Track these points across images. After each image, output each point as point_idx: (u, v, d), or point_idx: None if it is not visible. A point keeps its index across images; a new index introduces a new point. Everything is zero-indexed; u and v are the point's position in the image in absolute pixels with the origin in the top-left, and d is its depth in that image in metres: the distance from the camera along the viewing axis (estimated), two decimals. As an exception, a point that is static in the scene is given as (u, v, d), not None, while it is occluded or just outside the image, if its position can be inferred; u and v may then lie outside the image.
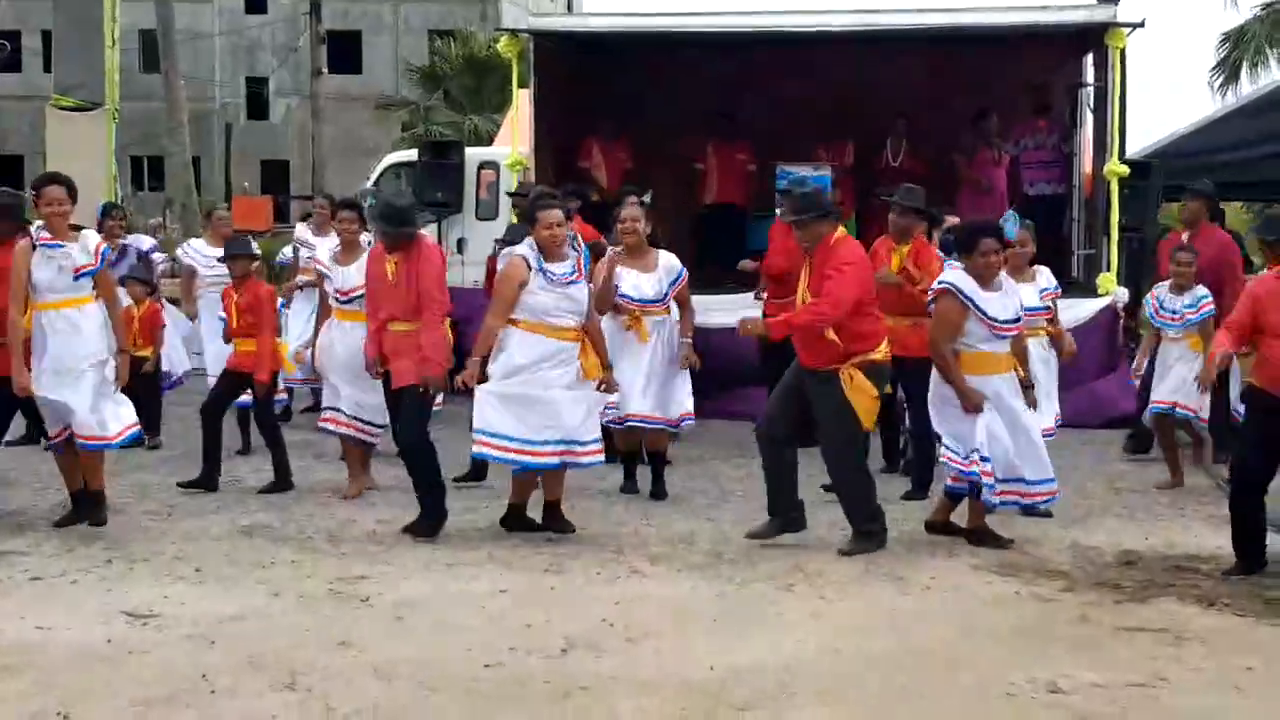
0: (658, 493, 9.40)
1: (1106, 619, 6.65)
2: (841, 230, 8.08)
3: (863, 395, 7.82)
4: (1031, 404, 8.08)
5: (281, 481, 9.58)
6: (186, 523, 8.56)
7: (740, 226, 14.67)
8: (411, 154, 18.23)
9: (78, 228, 8.40)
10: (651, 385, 9.29)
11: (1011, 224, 10.28)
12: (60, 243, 8.08)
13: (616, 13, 14.00)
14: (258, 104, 53.30)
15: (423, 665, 5.87)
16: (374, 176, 18.27)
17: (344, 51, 49.52)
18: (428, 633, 6.38)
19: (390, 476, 9.59)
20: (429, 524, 8.20)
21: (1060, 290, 9.87)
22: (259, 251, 11.16)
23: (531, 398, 7.94)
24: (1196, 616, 6.72)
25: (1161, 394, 10.20)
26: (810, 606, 6.84)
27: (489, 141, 24.70)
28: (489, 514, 8.72)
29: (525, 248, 8.07)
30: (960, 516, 8.19)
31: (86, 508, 8.35)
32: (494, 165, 15.99)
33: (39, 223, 8.25)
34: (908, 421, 9.93)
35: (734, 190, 14.85)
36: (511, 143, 14.67)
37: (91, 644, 6.13)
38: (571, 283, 8.05)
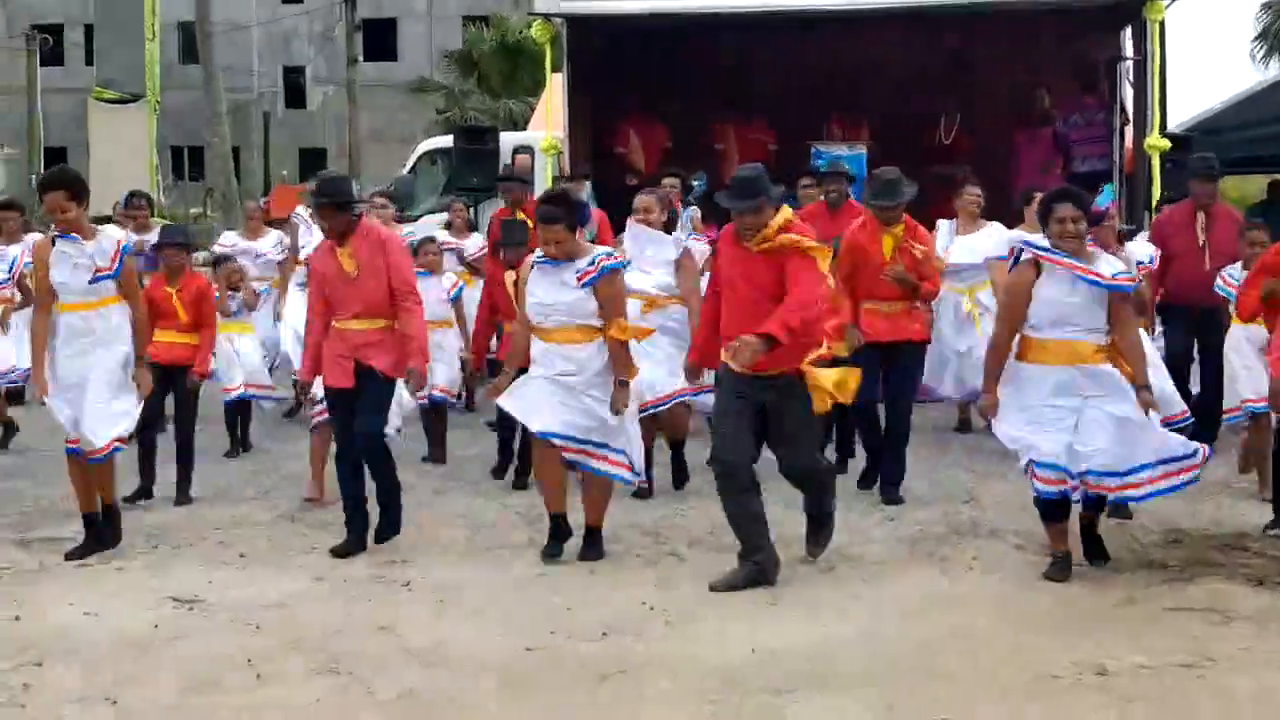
0: (680, 481, 9.22)
1: (1153, 599, 6.59)
2: (787, 212, 7.10)
3: (820, 391, 7.04)
4: (1146, 404, 6.88)
5: (182, 496, 9.01)
6: (230, 509, 8.62)
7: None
8: (447, 140, 18.25)
9: (101, 223, 7.95)
10: (666, 365, 8.70)
11: (1107, 195, 10.04)
12: (75, 236, 7.48)
13: (646, -5, 13.86)
14: (295, 93, 53.50)
15: (463, 649, 5.90)
16: (410, 162, 18.32)
17: (379, 39, 49.68)
18: (468, 617, 6.40)
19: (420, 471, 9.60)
20: (394, 528, 7.72)
21: (1152, 263, 9.38)
22: (193, 242, 10.75)
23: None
24: (1245, 596, 6.65)
25: (1249, 390, 8.91)
26: (850, 589, 6.83)
27: (523, 126, 24.72)
28: (527, 499, 8.74)
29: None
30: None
31: (100, 533, 7.67)
32: (529, 149, 15.95)
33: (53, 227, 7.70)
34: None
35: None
36: (546, 127, 14.66)
37: (138, 629, 6.20)
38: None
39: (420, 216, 16.05)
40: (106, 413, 7.46)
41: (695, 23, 14.50)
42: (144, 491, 8.92)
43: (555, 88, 14.36)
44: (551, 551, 7.46)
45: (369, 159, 40.41)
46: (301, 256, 9.99)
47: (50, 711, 5.25)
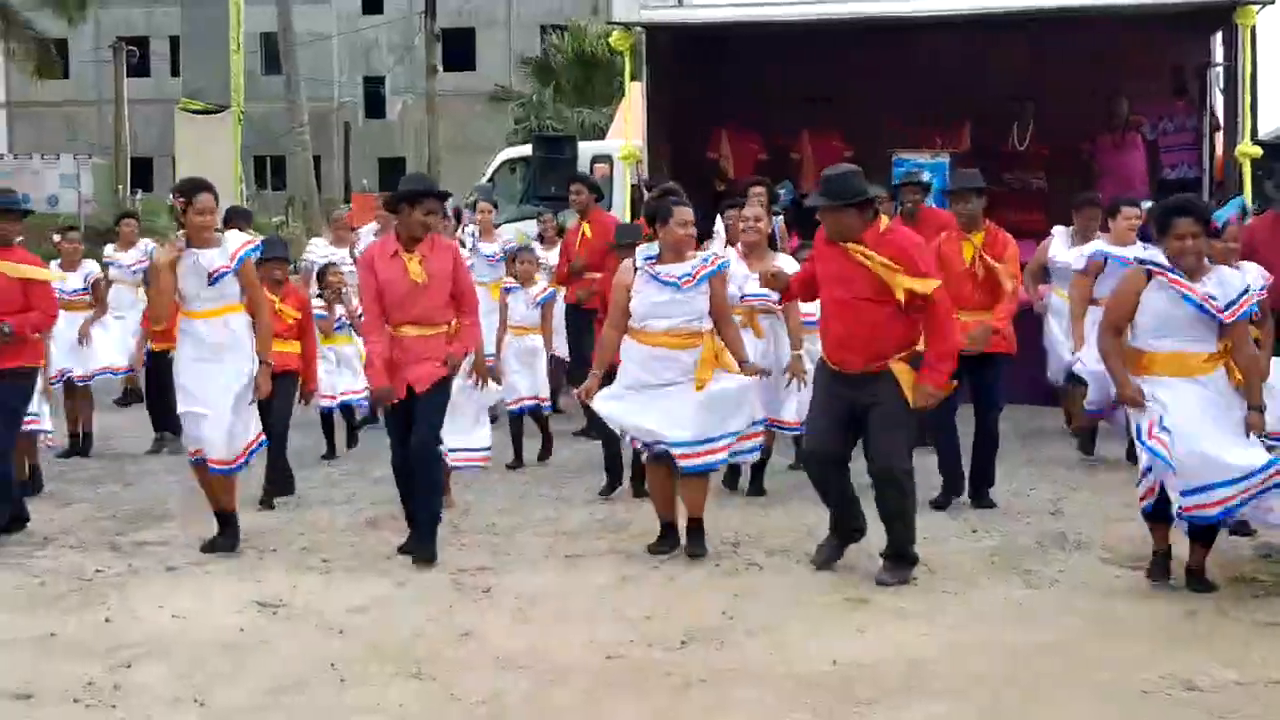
0: (758, 489, 9.26)
1: (1245, 615, 6.48)
2: (884, 220, 7.28)
3: (907, 387, 7.10)
4: (1252, 426, 6.69)
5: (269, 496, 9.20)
6: (313, 514, 8.70)
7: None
8: (526, 149, 18.32)
9: (223, 229, 8.11)
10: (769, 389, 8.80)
11: (1231, 207, 9.76)
12: (199, 249, 7.68)
13: (727, 3, 13.81)
14: (375, 103, 53.95)
15: (543, 656, 5.91)
16: (489, 171, 18.41)
17: (458, 49, 49.96)
18: (548, 624, 6.41)
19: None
20: (431, 546, 7.55)
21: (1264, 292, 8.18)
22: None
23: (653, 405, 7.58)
24: (1337, 611, 6.53)
25: None
26: (934, 600, 6.77)
27: (601, 135, 24.77)
28: (608, 507, 8.76)
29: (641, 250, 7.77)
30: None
31: (222, 532, 7.91)
32: (607, 158, 15.99)
33: (179, 232, 7.88)
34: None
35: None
36: (624, 135, 14.68)
37: (225, 632, 6.27)
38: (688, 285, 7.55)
39: (499, 225, 16.12)
40: (232, 428, 7.67)
41: (774, 32, 14.46)
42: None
43: (634, 96, 14.37)
44: (662, 549, 7.67)
45: (448, 168, 40.60)
46: None
47: (140, 712, 5.31)
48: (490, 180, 17.75)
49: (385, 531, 8.24)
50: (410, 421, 7.55)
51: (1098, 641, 6.09)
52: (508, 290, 10.87)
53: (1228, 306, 6.65)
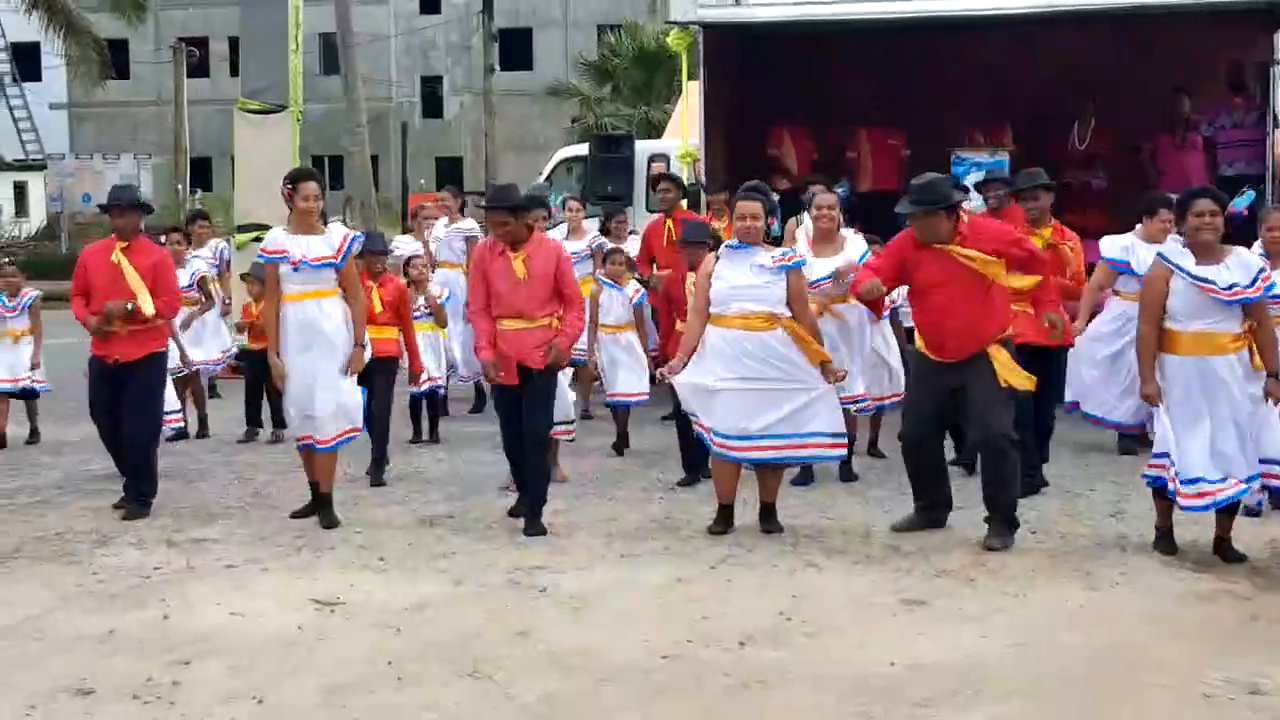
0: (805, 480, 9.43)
1: (1308, 618, 6.40)
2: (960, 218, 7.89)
3: (1014, 373, 7.77)
4: (1271, 393, 7.22)
5: (377, 479, 9.76)
6: (370, 513, 8.73)
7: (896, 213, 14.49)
8: (582, 148, 18.32)
9: (325, 220, 8.55)
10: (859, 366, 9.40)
11: (1246, 198, 9.76)
12: (303, 235, 8.22)
13: (785, 1, 13.74)
14: (432, 102, 54.22)
15: (600, 656, 5.90)
16: (546, 170, 18.41)
17: (515, 49, 50.11)
18: (604, 623, 6.41)
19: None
20: (539, 523, 8.16)
21: None
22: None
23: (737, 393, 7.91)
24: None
25: None
26: (993, 602, 6.71)
27: (659, 133, 24.74)
28: (665, 506, 8.75)
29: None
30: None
31: (320, 506, 8.46)
32: (664, 157, 15.96)
33: (278, 227, 8.45)
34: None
35: (888, 177, 14.67)
36: (681, 134, 14.65)
37: (283, 630, 6.30)
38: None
39: (556, 225, 16.14)
40: (334, 406, 8.23)
41: (831, 30, 14.39)
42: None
43: (691, 95, 14.34)
44: (718, 529, 8.07)
45: (505, 167, 40.72)
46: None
47: (198, 709, 5.34)
48: (548, 179, 17.75)
49: (441, 530, 8.27)
50: (518, 405, 8.20)
51: (1159, 644, 6.02)
52: (602, 288, 11.17)
53: (1250, 285, 7.16)
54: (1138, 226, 9.68)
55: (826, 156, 14.91)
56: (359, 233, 8.87)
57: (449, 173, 50.29)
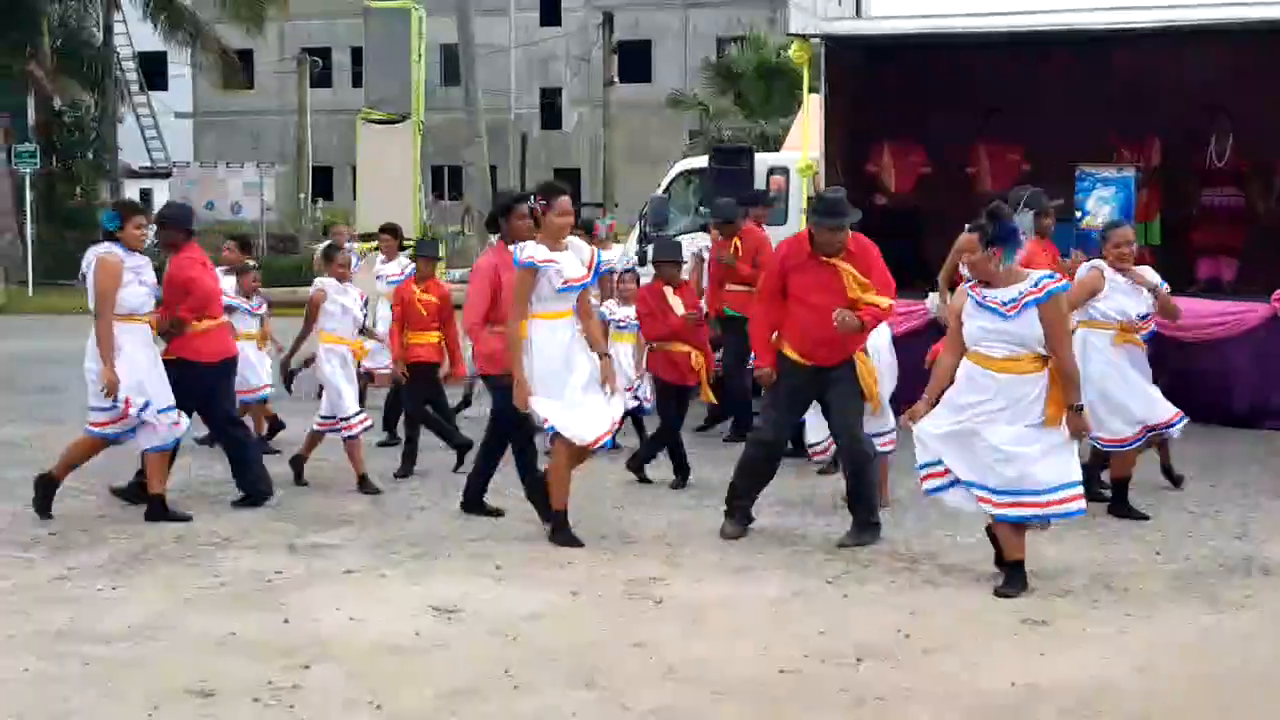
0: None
1: None
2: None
3: (868, 375, 8.29)
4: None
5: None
6: (486, 521, 8.76)
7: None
8: (701, 160, 18.30)
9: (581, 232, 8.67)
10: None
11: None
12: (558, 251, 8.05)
13: (908, 15, 13.66)
14: (551, 114, 54.50)
15: (716, 668, 5.88)
16: (665, 182, 18.41)
17: (634, 61, 50.26)
18: (720, 636, 6.38)
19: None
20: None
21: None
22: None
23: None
24: None
25: None
26: (1116, 623, 6.58)
27: (777, 146, 24.67)
28: (780, 520, 8.71)
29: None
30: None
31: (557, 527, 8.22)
32: (784, 170, 15.89)
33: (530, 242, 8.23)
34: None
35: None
36: (801, 147, 14.59)
37: (401, 636, 6.35)
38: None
39: (675, 236, 16.14)
40: (590, 412, 8.04)
41: (954, 43, 14.26)
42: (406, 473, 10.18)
43: (811, 108, 14.27)
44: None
45: (623, 179, 40.93)
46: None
47: (317, 713, 5.40)
48: (666, 191, 17.77)
49: (557, 539, 8.28)
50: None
51: (1289, 671, 5.88)
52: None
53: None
54: None
55: (932, 171, 14.75)
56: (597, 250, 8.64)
57: (567, 184, 50.52)
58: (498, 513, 8.84)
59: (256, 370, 11.28)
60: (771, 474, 8.53)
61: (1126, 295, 8.89)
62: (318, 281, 10.32)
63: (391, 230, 13.71)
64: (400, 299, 10.75)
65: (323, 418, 9.91)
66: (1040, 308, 6.89)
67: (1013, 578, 7.11)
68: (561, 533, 8.12)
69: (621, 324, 11.23)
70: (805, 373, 8.23)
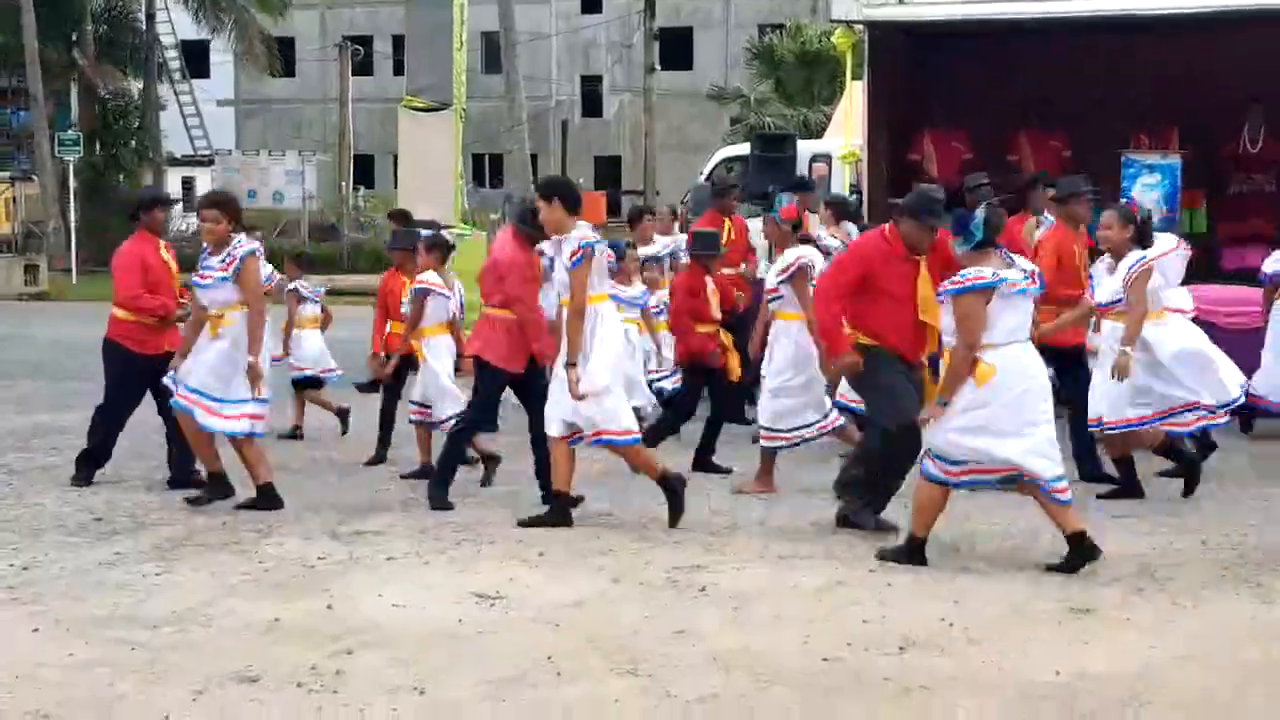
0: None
1: None
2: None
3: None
4: None
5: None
6: (530, 509, 8.76)
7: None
8: (744, 148, 18.30)
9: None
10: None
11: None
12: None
13: (950, 1, 13.58)
14: (592, 101, 54.56)
15: (760, 656, 5.87)
16: (707, 169, 18.45)
17: (676, 48, 50.19)
18: (764, 624, 6.37)
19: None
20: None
21: None
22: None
23: None
24: None
25: None
26: (1162, 612, 6.54)
27: (819, 134, 24.61)
28: (822, 509, 8.67)
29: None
30: None
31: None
32: (826, 158, 15.88)
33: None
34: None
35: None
36: (844, 135, 14.56)
37: (444, 623, 6.37)
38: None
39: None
40: (619, 400, 8.34)
41: (998, 29, 14.17)
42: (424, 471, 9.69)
43: (854, 95, 14.23)
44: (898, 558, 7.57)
45: (663, 167, 40.85)
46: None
47: (362, 699, 5.41)
48: (708, 179, 17.77)
49: (598, 527, 8.29)
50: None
51: (1341, 663, 5.82)
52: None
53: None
54: None
55: (975, 157, 14.68)
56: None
57: (608, 172, 50.63)
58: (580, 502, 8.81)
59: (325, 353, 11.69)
60: (914, 455, 7.85)
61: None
62: (420, 277, 9.98)
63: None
64: (384, 290, 10.76)
65: (422, 406, 9.91)
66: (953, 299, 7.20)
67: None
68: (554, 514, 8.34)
69: (655, 310, 11.30)
70: (897, 358, 8.13)
